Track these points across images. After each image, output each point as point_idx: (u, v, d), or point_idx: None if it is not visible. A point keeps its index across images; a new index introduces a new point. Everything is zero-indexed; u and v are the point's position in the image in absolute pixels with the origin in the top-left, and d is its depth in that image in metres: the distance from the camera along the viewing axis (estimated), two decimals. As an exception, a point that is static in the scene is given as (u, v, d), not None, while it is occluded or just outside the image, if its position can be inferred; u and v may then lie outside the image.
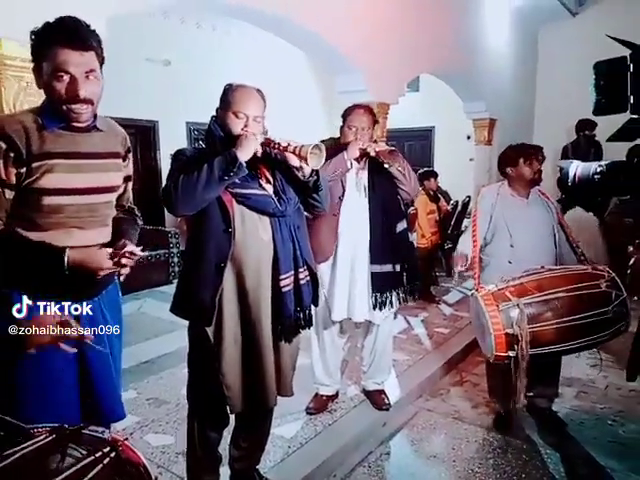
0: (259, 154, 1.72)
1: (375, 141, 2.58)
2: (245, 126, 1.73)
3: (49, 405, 1.48)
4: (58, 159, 1.44)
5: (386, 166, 2.41)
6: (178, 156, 1.78)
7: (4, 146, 1.39)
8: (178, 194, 1.65)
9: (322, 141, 2.66)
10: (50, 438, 0.96)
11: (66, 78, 1.39)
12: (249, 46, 6.53)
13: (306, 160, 1.67)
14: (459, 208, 5.76)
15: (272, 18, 3.53)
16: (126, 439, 1.04)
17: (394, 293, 2.56)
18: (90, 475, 0.89)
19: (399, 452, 2.60)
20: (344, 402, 2.88)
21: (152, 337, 3.79)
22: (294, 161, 1.72)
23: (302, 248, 1.84)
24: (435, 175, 5.45)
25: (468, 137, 7.17)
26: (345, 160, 2.43)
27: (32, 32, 1.42)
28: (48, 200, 1.44)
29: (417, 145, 8.08)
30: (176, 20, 5.75)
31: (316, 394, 2.80)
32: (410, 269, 2.60)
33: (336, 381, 2.84)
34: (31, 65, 1.45)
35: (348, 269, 2.55)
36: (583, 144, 5.69)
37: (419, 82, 7.42)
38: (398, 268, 2.55)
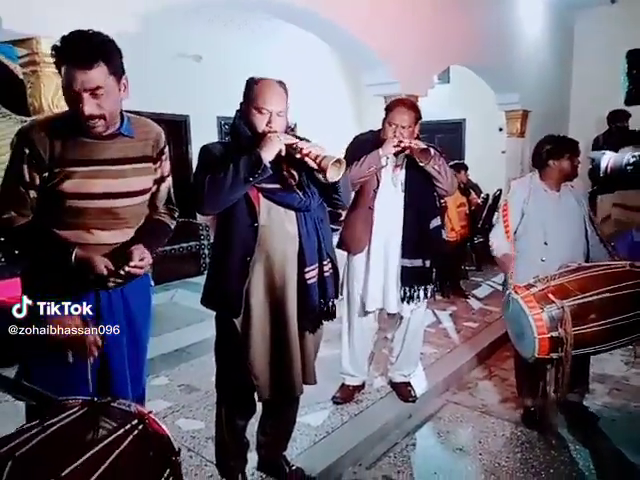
0: (283, 153, 1.72)
1: (418, 136, 2.54)
2: (269, 122, 1.73)
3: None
4: (77, 166, 1.50)
5: (421, 164, 2.40)
6: (204, 154, 1.79)
7: (27, 152, 1.48)
8: (205, 195, 1.68)
9: (362, 134, 2.69)
10: (83, 410, 1.02)
11: (75, 95, 1.42)
12: (278, 41, 6.56)
13: (325, 172, 1.66)
14: (490, 201, 5.68)
15: (300, 12, 3.54)
16: (150, 412, 1.09)
17: (422, 288, 2.57)
18: (122, 446, 0.95)
19: (425, 443, 2.61)
20: (370, 393, 2.90)
21: (183, 326, 3.89)
22: (312, 165, 1.71)
23: (326, 241, 1.86)
24: (465, 168, 5.39)
25: (500, 129, 7.03)
26: (380, 157, 2.43)
27: (52, 47, 1.45)
28: (69, 203, 1.52)
29: (448, 138, 7.96)
30: (207, 16, 5.81)
31: (342, 384, 2.83)
32: (440, 267, 2.60)
33: (363, 372, 2.86)
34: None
35: (382, 261, 2.58)
36: (616, 136, 5.49)
37: (450, 74, 7.32)
38: (428, 264, 2.55)
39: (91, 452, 0.91)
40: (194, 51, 6.13)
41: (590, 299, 2.10)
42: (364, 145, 2.51)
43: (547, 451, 2.47)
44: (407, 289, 2.55)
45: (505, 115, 6.52)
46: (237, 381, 1.87)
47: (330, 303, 1.90)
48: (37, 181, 1.51)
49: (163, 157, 1.72)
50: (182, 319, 4.01)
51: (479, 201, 5.56)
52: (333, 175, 1.67)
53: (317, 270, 1.83)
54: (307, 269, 1.80)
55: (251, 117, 1.76)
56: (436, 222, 2.59)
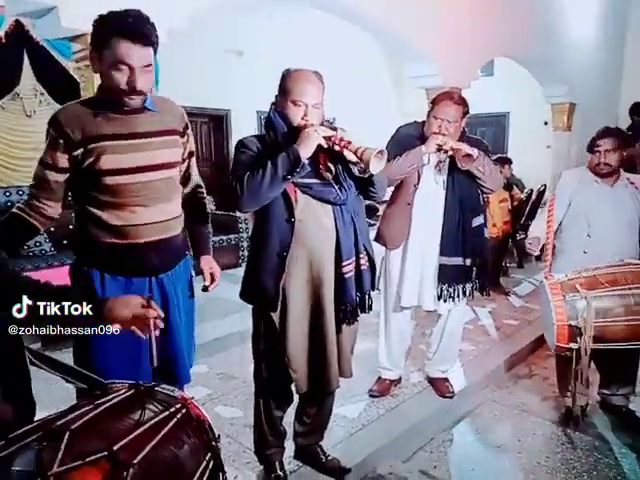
0: (323, 145, 1.69)
1: (463, 130, 2.47)
2: (305, 115, 1.71)
3: (126, 371, 1.55)
4: (110, 141, 1.53)
5: (462, 168, 2.34)
6: (241, 149, 1.78)
7: (54, 134, 1.53)
8: (244, 194, 1.68)
9: (405, 126, 2.63)
10: (130, 393, 1.06)
11: (125, 70, 1.45)
12: (318, 33, 6.56)
13: (367, 164, 1.61)
14: (534, 197, 5.52)
15: (344, 5, 3.54)
16: (192, 398, 1.13)
17: (460, 287, 2.52)
18: (167, 428, 0.98)
19: (462, 440, 2.57)
20: (407, 388, 2.89)
21: (221, 317, 3.95)
22: (352, 157, 1.67)
23: (362, 234, 1.84)
24: (509, 162, 5.27)
25: (545, 123, 6.84)
26: (422, 154, 2.38)
27: (95, 20, 1.48)
28: (108, 180, 1.54)
29: (490, 131, 7.80)
30: (247, 10, 5.87)
31: (379, 377, 2.83)
32: (481, 266, 2.54)
33: (399, 367, 2.84)
34: (89, 50, 1.54)
35: (419, 258, 2.54)
36: (639, 128, 5.19)
37: (494, 66, 7.15)
38: (468, 262, 2.49)
39: (139, 431, 0.95)
40: (236, 46, 6.21)
41: (620, 293, 2.06)
42: (407, 140, 2.45)
43: (590, 453, 2.40)
44: (444, 287, 2.50)
45: (551, 108, 6.33)
46: (274, 374, 1.89)
47: (367, 296, 1.89)
48: (63, 163, 1.54)
49: (188, 131, 1.75)
50: (220, 309, 4.06)
51: (522, 197, 5.42)
52: (376, 167, 1.63)
53: (354, 264, 1.82)
54: (344, 263, 1.79)
55: (286, 110, 1.74)
56: (478, 221, 2.52)
